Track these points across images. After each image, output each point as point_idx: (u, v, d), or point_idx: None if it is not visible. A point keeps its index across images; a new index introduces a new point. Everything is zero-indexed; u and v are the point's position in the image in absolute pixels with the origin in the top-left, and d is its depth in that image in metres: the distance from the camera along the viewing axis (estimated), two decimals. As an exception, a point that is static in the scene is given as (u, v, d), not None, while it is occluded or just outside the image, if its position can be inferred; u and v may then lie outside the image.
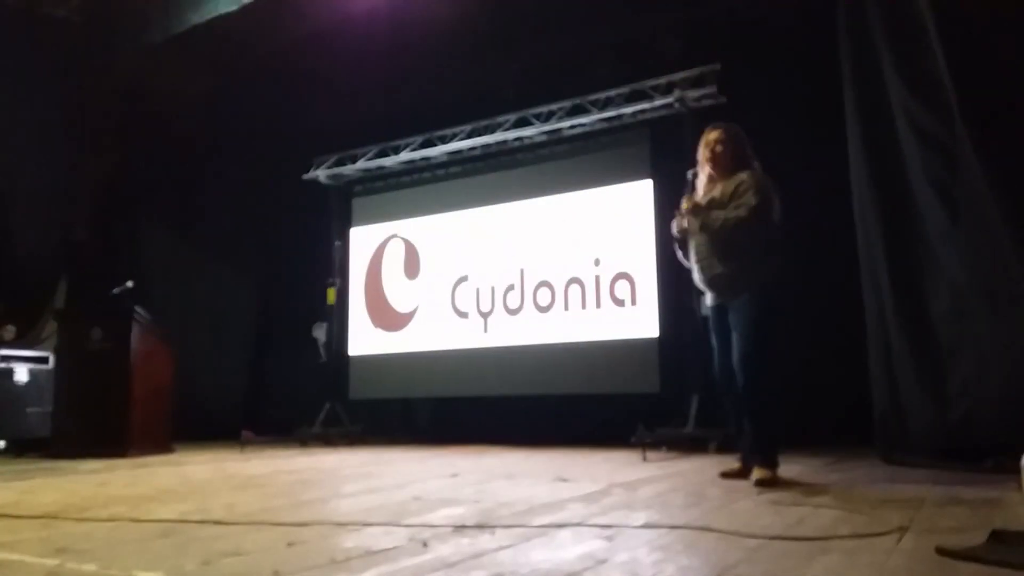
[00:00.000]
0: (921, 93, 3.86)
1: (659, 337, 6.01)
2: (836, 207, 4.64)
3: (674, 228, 3.57)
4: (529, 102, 6.63)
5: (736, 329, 3.35)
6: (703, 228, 3.39)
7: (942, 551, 1.78)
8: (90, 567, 1.82)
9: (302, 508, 2.78)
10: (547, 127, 6.54)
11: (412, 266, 7.45)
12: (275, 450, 6.19)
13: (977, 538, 1.88)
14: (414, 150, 7.27)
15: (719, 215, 3.35)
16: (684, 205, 3.45)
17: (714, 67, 5.66)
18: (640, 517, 2.43)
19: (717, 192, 3.44)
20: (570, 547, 1.98)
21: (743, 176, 3.39)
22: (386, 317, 7.52)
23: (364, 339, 7.61)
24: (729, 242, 3.35)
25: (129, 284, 6.12)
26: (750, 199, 3.30)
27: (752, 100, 5.50)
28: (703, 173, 3.55)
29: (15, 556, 1.96)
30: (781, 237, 3.40)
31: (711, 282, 3.45)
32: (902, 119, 3.99)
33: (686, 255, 3.63)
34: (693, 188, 3.52)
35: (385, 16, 5.94)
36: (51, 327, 6.38)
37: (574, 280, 6.50)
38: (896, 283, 4.06)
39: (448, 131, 7.08)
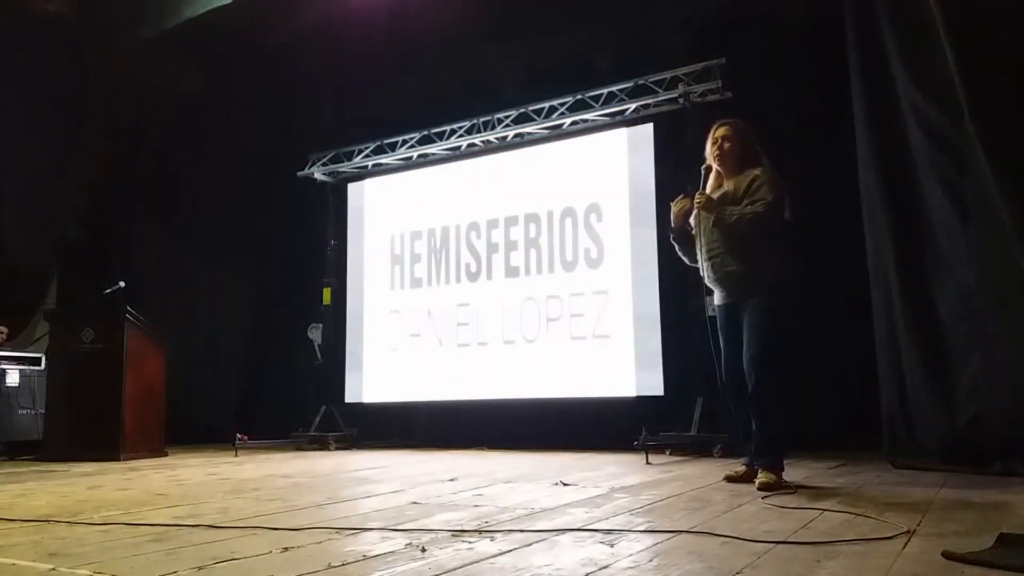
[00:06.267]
0: (930, 89, 3.83)
1: (663, 338, 5.93)
2: (844, 204, 4.60)
3: (673, 216, 3.51)
4: (530, 97, 6.58)
5: (748, 329, 3.28)
6: (716, 224, 3.32)
7: (949, 555, 1.78)
8: (83, 572, 1.81)
9: (297, 513, 2.75)
10: (548, 123, 6.48)
11: (409, 266, 7.38)
12: (270, 454, 6.15)
13: (985, 542, 1.88)
14: (412, 147, 7.22)
15: (734, 210, 3.29)
16: (696, 199, 3.39)
17: (719, 61, 5.60)
18: (643, 522, 2.41)
19: (728, 188, 3.39)
20: (571, 552, 1.96)
21: (756, 172, 3.34)
22: (383, 317, 7.44)
23: (360, 340, 7.54)
24: (744, 239, 3.29)
25: (121, 284, 6.10)
26: (766, 195, 3.25)
27: (758, 95, 5.45)
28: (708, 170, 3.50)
29: (7, 560, 1.96)
30: (795, 236, 3.34)
31: (722, 280, 3.39)
32: (910, 116, 3.97)
33: (685, 251, 3.57)
34: (705, 182, 3.46)
35: (383, 9, 5.89)
36: (43, 328, 6.33)
37: (576, 280, 6.42)
38: (905, 283, 4.04)
39: (447, 127, 7.03)
